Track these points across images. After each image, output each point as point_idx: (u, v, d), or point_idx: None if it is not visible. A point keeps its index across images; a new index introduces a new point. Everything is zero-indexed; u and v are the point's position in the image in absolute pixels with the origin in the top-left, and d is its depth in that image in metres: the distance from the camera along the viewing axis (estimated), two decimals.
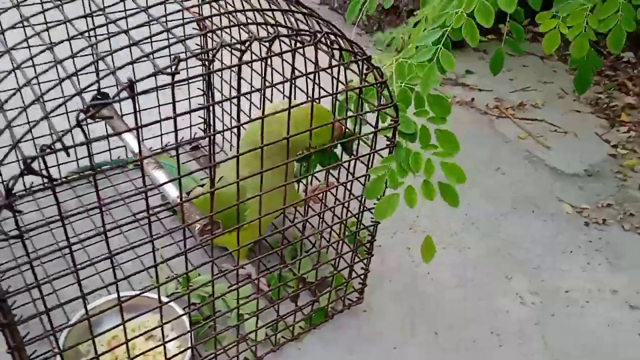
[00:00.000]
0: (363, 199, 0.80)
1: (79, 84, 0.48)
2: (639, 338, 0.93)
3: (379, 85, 0.68)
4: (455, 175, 0.66)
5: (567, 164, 1.32)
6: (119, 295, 0.60)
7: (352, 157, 0.76)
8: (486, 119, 1.47)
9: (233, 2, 0.77)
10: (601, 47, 0.91)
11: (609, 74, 1.71)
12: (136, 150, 0.86)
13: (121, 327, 0.80)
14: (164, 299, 0.81)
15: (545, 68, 1.74)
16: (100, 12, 0.54)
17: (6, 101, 0.51)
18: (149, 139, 1.17)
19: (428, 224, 1.11)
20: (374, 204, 0.81)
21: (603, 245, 1.10)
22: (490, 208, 1.17)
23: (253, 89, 0.59)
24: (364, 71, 0.66)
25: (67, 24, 0.54)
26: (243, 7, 0.61)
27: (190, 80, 0.52)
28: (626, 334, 0.93)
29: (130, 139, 0.89)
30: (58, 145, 0.45)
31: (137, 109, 0.47)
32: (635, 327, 0.94)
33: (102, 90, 0.95)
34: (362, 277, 0.90)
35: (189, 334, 0.76)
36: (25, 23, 0.55)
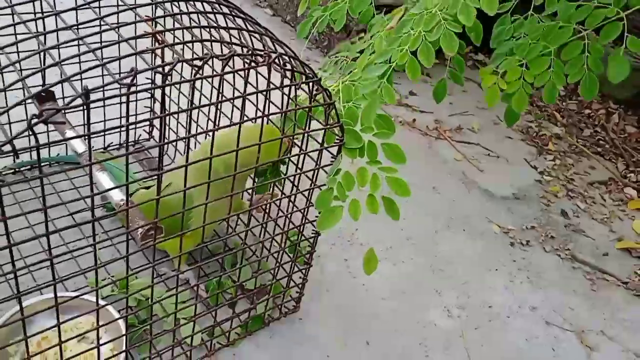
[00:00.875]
0: (306, 211, 0.83)
1: (26, 90, 0.49)
2: (554, 352, 1.00)
3: (327, 106, 0.71)
4: (400, 189, 0.70)
5: (498, 187, 1.40)
6: (56, 296, 0.60)
7: (298, 171, 0.79)
8: (426, 140, 1.54)
9: (189, 17, 0.78)
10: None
11: (540, 104, 1.82)
12: (79, 150, 0.85)
13: (53, 330, 0.80)
14: (101, 302, 0.81)
15: (483, 95, 1.84)
16: (53, 15, 0.54)
17: None
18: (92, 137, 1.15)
19: (365, 238, 1.15)
20: (316, 216, 0.84)
21: (525, 264, 1.18)
22: (425, 225, 1.23)
23: (207, 101, 0.61)
24: (314, 91, 0.69)
25: (18, 25, 0.54)
26: (199, 23, 0.63)
27: (144, 90, 0.53)
28: (542, 348, 1.01)
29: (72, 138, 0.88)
30: (7, 148, 0.45)
31: (88, 120, 0.48)
32: (551, 342, 1.02)
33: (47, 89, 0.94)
34: (300, 286, 0.93)
35: (124, 337, 0.76)
36: None
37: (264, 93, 0.62)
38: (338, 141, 0.75)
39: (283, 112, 0.68)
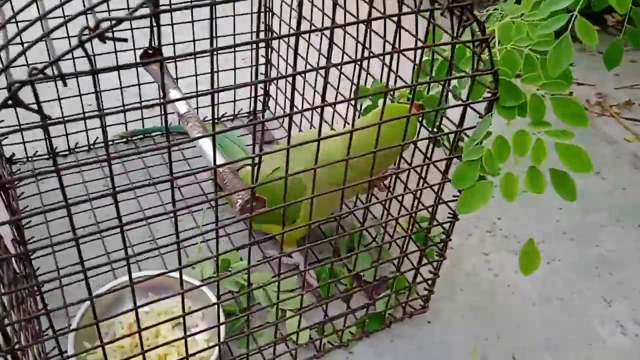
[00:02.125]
0: (440, 189, 0.66)
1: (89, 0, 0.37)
2: None
3: (477, 44, 0.53)
4: (577, 162, 0.51)
5: None
6: (130, 277, 0.49)
7: (432, 135, 0.62)
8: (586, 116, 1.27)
9: None
10: None
11: None
12: (182, 110, 0.76)
13: (145, 311, 0.71)
14: (196, 282, 0.71)
15: None
16: None
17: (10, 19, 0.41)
18: (202, 107, 1.07)
19: (510, 228, 0.94)
20: (454, 195, 0.67)
21: None
22: (586, 216, 0.99)
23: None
24: (463, 23, 0.52)
25: None
26: None
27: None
28: None
29: (176, 97, 0.78)
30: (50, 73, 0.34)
31: (159, 34, 0.36)
32: None
33: (154, 46, 0.86)
34: (430, 282, 0.76)
35: (221, 327, 0.65)
36: None
37: (394, 18, 0.46)
38: (489, 95, 0.57)
39: (421, 48, 0.51)
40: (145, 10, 0.35)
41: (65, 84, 0.34)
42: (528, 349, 0.76)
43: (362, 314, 0.75)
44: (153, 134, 1.05)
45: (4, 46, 0.38)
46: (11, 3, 0.64)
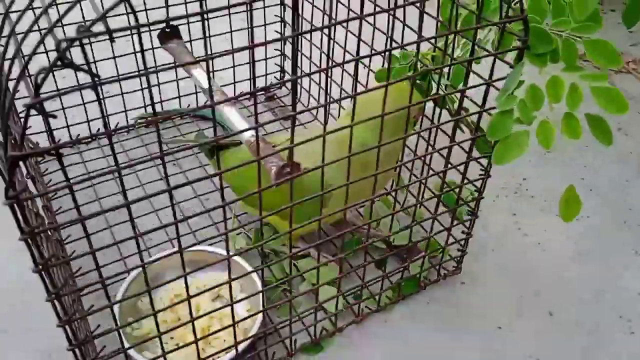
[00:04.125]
0: (470, 145, 0.65)
1: None
2: None
3: None
4: (613, 103, 0.51)
5: None
6: (141, 256, 0.49)
7: (459, 88, 0.61)
8: None
9: None
10: None
11: None
12: (205, 85, 0.76)
13: (183, 286, 0.71)
14: (234, 258, 0.71)
15: None
16: None
17: None
18: (223, 86, 1.07)
19: (537, 188, 0.94)
20: (485, 152, 0.67)
21: None
22: (612, 173, 0.98)
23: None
24: None
25: None
26: None
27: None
28: None
29: (199, 74, 0.78)
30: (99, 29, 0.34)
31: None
32: None
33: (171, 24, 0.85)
34: (462, 243, 0.76)
35: (260, 297, 0.66)
36: None
37: None
38: (520, 43, 0.56)
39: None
40: None
41: (113, 40, 0.34)
42: (563, 303, 0.76)
43: (396, 278, 0.75)
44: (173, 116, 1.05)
45: (47, 8, 0.38)
46: None
